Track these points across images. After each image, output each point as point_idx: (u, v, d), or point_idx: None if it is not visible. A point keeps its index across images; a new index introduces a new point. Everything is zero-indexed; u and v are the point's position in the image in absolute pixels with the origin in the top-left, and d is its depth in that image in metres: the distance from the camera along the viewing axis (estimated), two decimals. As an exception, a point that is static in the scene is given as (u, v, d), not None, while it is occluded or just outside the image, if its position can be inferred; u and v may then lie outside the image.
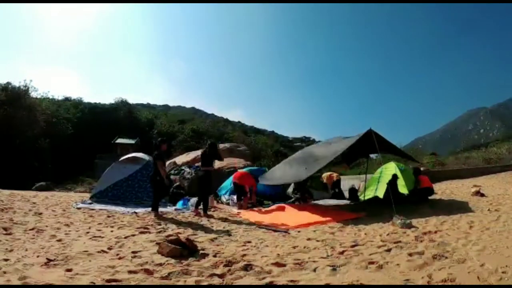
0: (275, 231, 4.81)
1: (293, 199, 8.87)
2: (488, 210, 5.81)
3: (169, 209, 7.23)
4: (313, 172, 7.24)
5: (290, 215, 6.40)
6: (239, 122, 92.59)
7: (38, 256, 2.95)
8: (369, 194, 9.67)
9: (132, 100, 52.81)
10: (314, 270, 2.77)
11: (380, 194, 8.94)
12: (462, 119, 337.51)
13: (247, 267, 2.81)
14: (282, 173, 8.72)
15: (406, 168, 9.63)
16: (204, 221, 5.75)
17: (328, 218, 5.80)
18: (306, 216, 6.18)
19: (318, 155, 7.63)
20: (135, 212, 6.55)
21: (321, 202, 8.88)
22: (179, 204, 7.70)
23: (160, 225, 5.18)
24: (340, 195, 9.67)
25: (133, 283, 2.42)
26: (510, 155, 16.21)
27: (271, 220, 5.93)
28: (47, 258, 2.87)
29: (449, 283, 2.38)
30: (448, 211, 5.75)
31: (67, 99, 42.65)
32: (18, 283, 2.26)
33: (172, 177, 10.64)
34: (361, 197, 9.70)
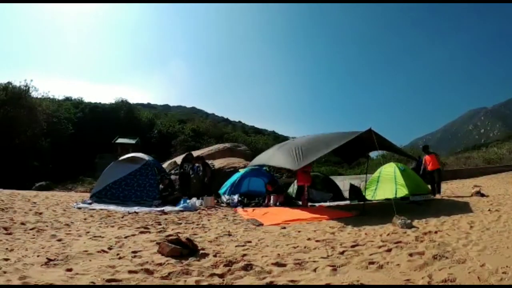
0: (253, 223, 5.35)
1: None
2: (489, 210, 5.80)
3: (170, 209, 7.24)
4: (305, 164, 6.84)
5: (280, 213, 6.57)
6: (239, 122, 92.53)
7: (38, 256, 2.96)
8: (369, 194, 9.68)
9: (133, 100, 52.72)
10: (315, 270, 2.77)
11: (380, 197, 8.95)
12: (463, 119, 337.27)
13: (247, 267, 2.80)
14: (271, 156, 8.29)
15: (406, 169, 9.65)
16: (204, 221, 5.76)
17: (317, 216, 6.03)
18: (296, 214, 6.34)
19: (311, 147, 7.10)
20: (135, 212, 6.56)
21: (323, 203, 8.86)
22: (179, 204, 7.71)
23: (160, 225, 5.18)
24: None
25: (133, 283, 2.42)
26: (511, 155, 16.21)
27: (260, 217, 6.12)
28: (47, 258, 2.87)
29: (450, 283, 2.38)
30: (449, 211, 5.75)
31: (67, 99, 42.64)
32: (18, 283, 2.26)
33: (172, 177, 10.64)
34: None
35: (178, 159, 15.00)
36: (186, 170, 9.70)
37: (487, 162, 16.16)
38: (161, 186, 8.54)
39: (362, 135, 6.74)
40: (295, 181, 9.93)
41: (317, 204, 8.44)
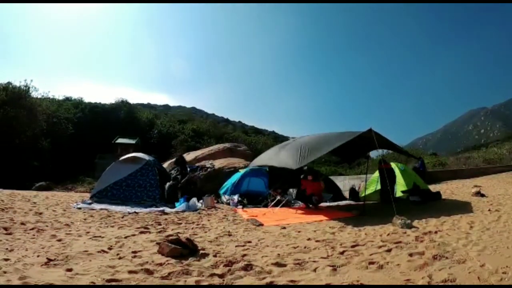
0: (253, 224, 5.40)
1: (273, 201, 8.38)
2: (489, 210, 5.80)
3: (169, 209, 7.24)
4: (306, 163, 6.78)
5: (280, 214, 6.67)
6: (239, 122, 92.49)
7: (38, 256, 2.95)
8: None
9: (133, 100, 52.61)
10: (315, 270, 2.77)
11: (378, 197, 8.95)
12: (463, 119, 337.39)
13: (247, 267, 2.80)
14: (271, 156, 8.21)
15: (406, 168, 9.66)
16: (204, 221, 5.76)
17: (317, 216, 6.13)
18: (297, 214, 6.47)
19: (313, 146, 6.97)
20: (136, 212, 6.56)
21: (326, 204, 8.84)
22: (179, 204, 7.71)
23: (160, 225, 5.18)
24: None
25: (133, 283, 2.42)
26: (511, 155, 16.19)
27: (261, 217, 6.16)
28: (47, 258, 2.86)
29: (450, 284, 2.38)
30: (449, 211, 5.74)
31: (67, 99, 42.59)
32: (18, 283, 2.26)
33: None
34: (362, 197, 9.70)
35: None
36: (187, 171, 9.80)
37: (487, 162, 16.14)
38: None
39: (362, 135, 6.74)
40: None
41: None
